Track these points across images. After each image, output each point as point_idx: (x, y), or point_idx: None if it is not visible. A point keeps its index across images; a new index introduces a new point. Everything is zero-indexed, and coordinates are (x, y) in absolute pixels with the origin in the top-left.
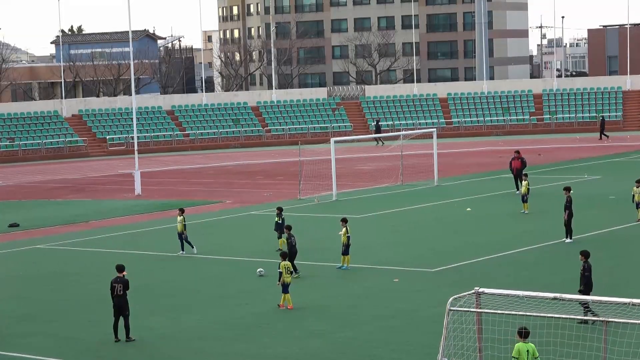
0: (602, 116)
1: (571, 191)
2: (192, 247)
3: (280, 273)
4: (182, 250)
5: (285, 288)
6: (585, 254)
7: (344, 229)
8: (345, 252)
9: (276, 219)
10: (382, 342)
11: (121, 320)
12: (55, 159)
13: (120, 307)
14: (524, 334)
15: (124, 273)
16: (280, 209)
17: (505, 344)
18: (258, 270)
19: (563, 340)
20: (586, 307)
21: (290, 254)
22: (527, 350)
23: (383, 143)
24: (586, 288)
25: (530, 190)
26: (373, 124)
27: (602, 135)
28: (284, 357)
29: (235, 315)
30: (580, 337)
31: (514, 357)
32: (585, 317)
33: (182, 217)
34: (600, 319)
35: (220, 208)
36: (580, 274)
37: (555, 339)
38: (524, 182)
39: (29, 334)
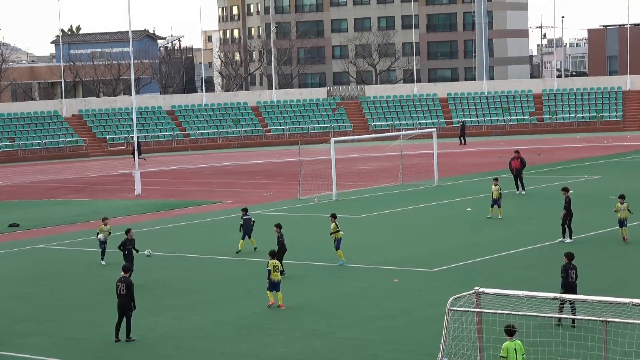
0: (464, 121)
1: (570, 191)
2: (102, 260)
3: (269, 271)
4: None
5: (272, 286)
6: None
7: (332, 225)
8: (338, 246)
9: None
10: (382, 342)
11: (123, 320)
12: (55, 159)
13: (123, 307)
14: (512, 332)
15: (129, 273)
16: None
17: None
18: (147, 250)
19: (564, 340)
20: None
21: (279, 252)
22: (515, 349)
23: (145, 159)
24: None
25: (502, 195)
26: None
27: (462, 140)
28: (284, 357)
29: (235, 315)
30: (581, 337)
31: (502, 357)
32: (561, 316)
33: (108, 226)
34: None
35: (220, 208)
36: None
37: (557, 338)
38: (494, 187)
39: (29, 334)
